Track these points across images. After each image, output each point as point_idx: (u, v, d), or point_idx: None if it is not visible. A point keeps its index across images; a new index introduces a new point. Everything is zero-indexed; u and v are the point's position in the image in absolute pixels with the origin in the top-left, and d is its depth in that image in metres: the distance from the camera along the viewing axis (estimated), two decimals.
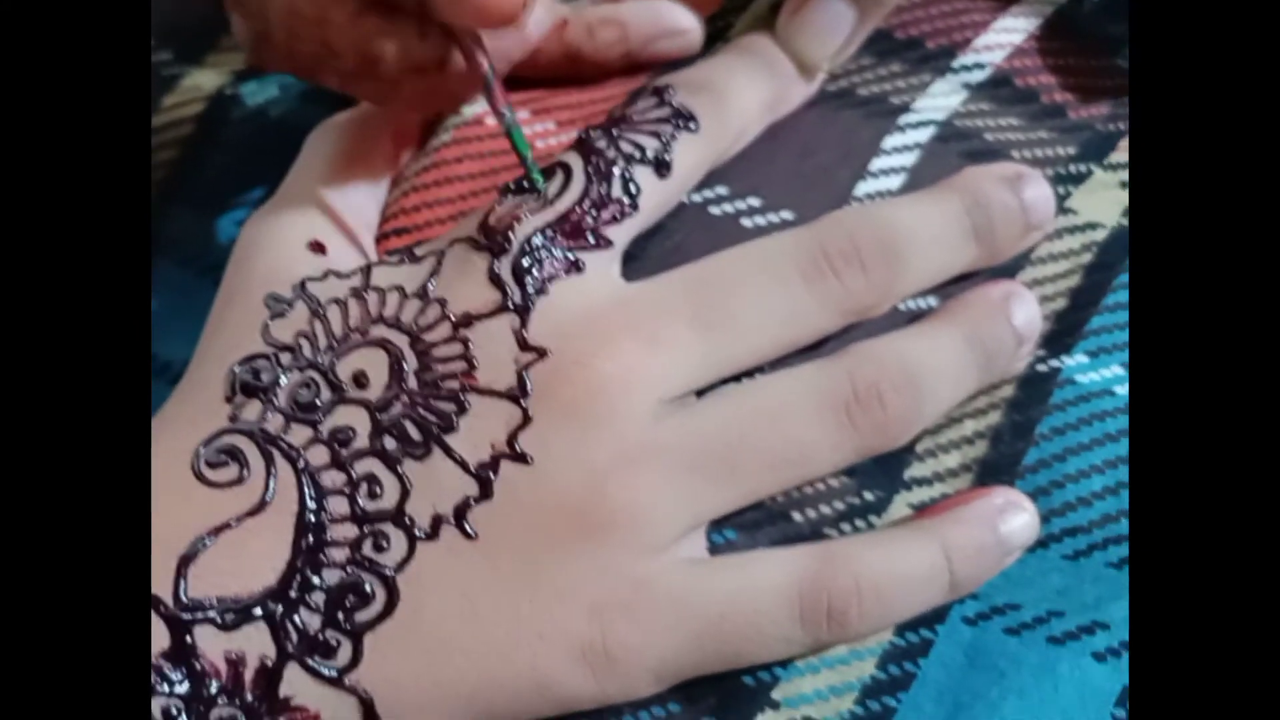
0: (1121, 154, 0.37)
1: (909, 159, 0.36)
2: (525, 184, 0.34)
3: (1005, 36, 0.39)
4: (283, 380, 0.32)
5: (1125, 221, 0.36)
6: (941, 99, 0.38)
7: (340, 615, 0.30)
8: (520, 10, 0.30)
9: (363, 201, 0.37)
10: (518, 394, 0.31)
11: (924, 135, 0.37)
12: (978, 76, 0.38)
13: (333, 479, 0.31)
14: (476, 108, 0.39)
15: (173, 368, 0.40)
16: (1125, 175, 0.37)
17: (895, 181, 0.36)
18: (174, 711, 0.29)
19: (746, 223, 0.35)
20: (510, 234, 0.33)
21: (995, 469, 0.34)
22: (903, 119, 0.37)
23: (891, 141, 0.37)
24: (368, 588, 0.30)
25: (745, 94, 0.36)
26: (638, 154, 0.34)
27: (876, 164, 0.36)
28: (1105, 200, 0.37)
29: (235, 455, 0.31)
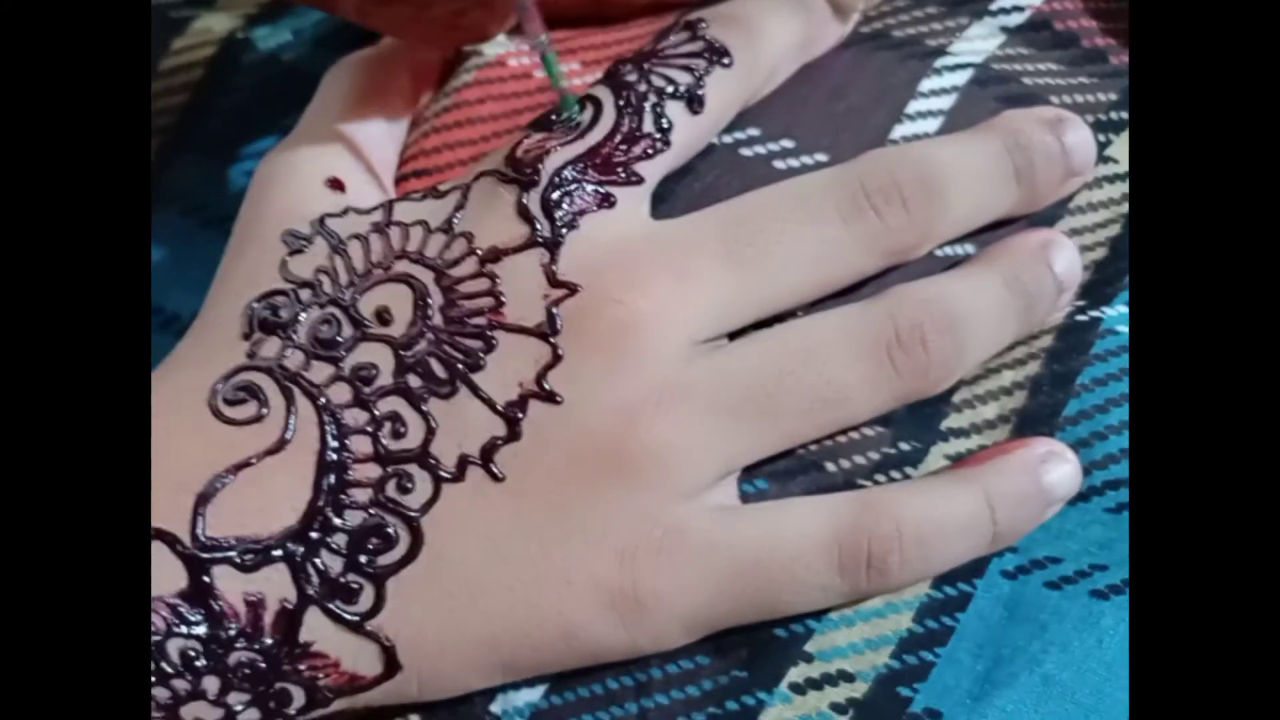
0: None
1: (946, 102, 0.35)
2: (555, 116, 0.33)
3: None
4: (302, 317, 0.31)
5: None
6: (979, 42, 0.37)
7: (362, 558, 0.29)
8: None
9: (381, 140, 0.36)
10: (547, 331, 0.30)
11: (961, 78, 0.36)
12: (1016, 20, 0.37)
13: (355, 417, 0.30)
14: (499, 48, 0.37)
15: (181, 319, 0.39)
16: None
17: (932, 125, 0.35)
18: (191, 653, 0.28)
19: (779, 165, 0.34)
20: (539, 166, 0.32)
21: (1034, 420, 0.33)
22: (939, 62, 0.36)
23: (928, 84, 0.35)
24: (391, 530, 0.29)
25: (779, 31, 0.34)
26: (670, 88, 0.33)
27: (913, 107, 0.35)
28: None
29: (254, 392, 0.30)
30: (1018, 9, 0.37)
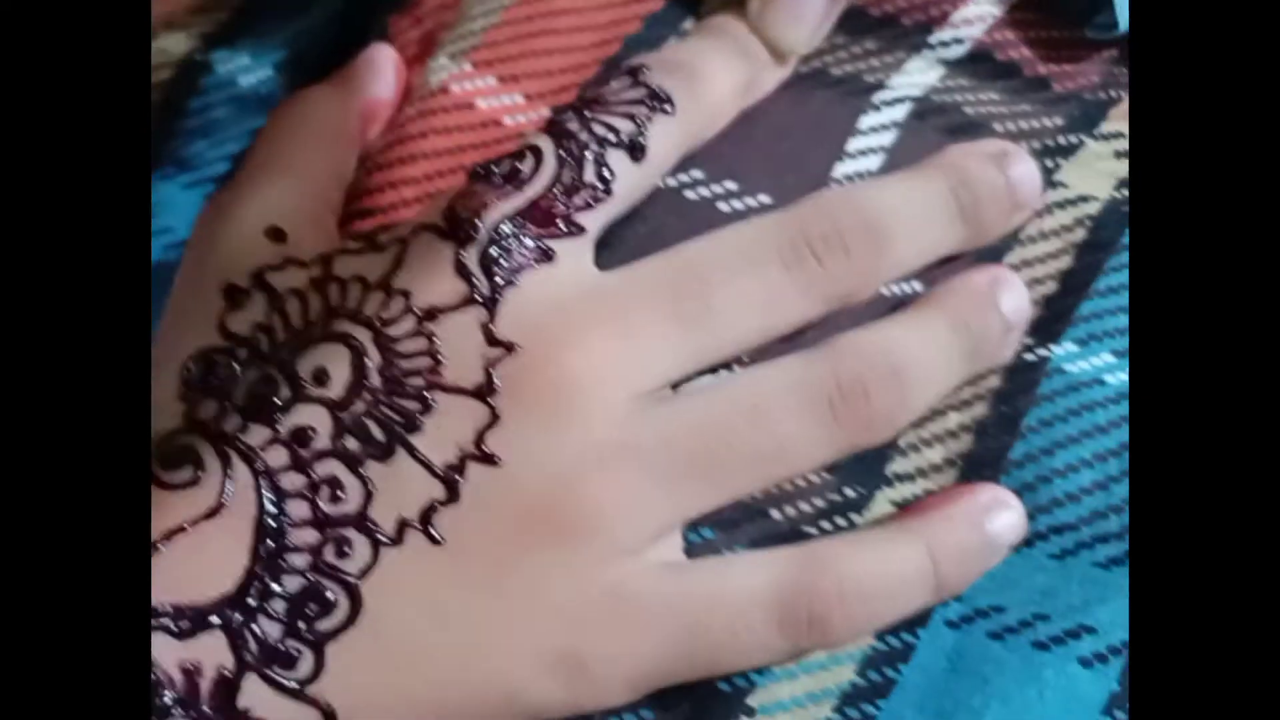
0: (1114, 123, 0.36)
1: (887, 138, 0.35)
2: (494, 167, 0.32)
3: (985, 9, 0.37)
4: (240, 376, 0.30)
5: (1120, 194, 0.35)
6: (918, 75, 0.36)
7: (302, 624, 0.29)
8: None
9: (326, 181, 0.35)
10: (485, 391, 0.30)
11: (900, 113, 0.35)
12: (956, 52, 0.37)
13: (292, 481, 0.29)
14: (442, 74, 0.37)
15: None
16: (1120, 145, 0.36)
17: (874, 162, 0.35)
18: None
19: (723, 206, 0.34)
20: (477, 221, 0.31)
21: (980, 463, 0.33)
22: (877, 97, 0.36)
23: (867, 121, 0.35)
24: (330, 595, 0.29)
25: (721, 77, 0.34)
26: (612, 136, 0.32)
27: (853, 144, 0.35)
28: (1098, 172, 0.35)
29: (190, 456, 0.30)
30: (957, 41, 0.37)
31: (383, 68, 0.37)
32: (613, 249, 0.33)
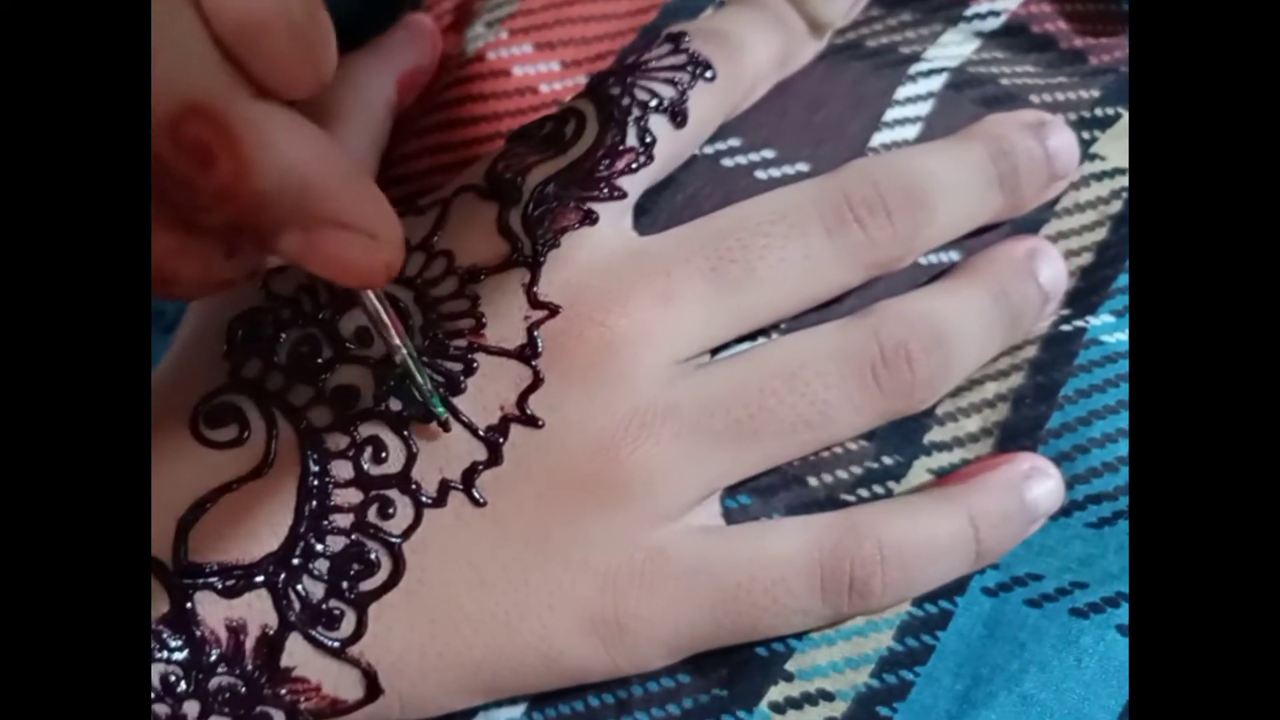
0: None
1: (923, 108, 0.35)
2: (536, 130, 0.32)
3: None
4: (283, 336, 0.30)
5: None
6: (954, 48, 0.36)
7: (344, 584, 0.29)
8: (388, 275, 0.25)
9: (363, 148, 0.35)
10: (528, 353, 0.30)
11: (936, 84, 0.35)
12: (992, 24, 0.37)
13: (336, 441, 0.29)
14: (478, 42, 0.37)
15: (165, 315, 0.39)
16: None
17: (911, 131, 0.35)
18: (172, 678, 0.28)
19: (761, 175, 0.34)
20: (520, 181, 0.31)
21: (1017, 433, 0.33)
22: (913, 68, 0.35)
23: (904, 92, 0.35)
24: (373, 556, 0.29)
25: (760, 47, 0.34)
26: (653, 102, 0.32)
27: (890, 114, 0.35)
28: None
29: (236, 414, 0.30)
30: (993, 14, 0.37)
31: (420, 36, 0.37)
32: (650, 215, 0.33)
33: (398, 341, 0.29)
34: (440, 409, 0.29)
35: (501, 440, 0.29)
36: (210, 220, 0.24)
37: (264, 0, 0.22)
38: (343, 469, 0.29)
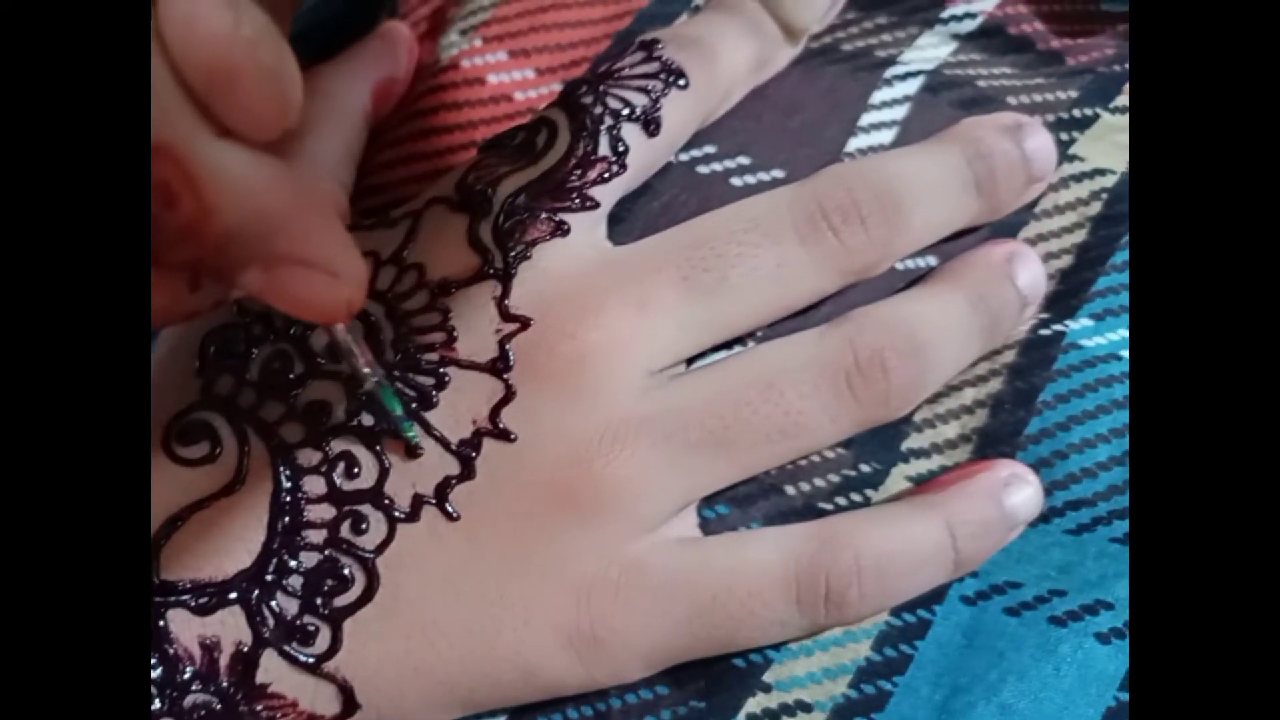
0: (1129, 97, 0.36)
1: (899, 112, 0.35)
2: (508, 140, 0.32)
3: None
4: (255, 352, 0.30)
5: None
6: (930, 50, 0.36)
7: (318, 600, 0.29)
8: (349, 312, 0.25)
9: (338, 159, 0.35)
10: (500, 366, 0.30)
11: (912, 87, 0.35)
12: (968, 26, 0.37)
13: (308, 457, 0.29)
14: (452, 50, 0.37)
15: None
16: None
17: (887, 136, 0.34)
18: None
19: (736, 181, 0.33)
20: (491, 193, 0.31)
21: (995, 439, 0.32)
22: (889, 72, 0.35)
23: (880, 96, 0.35)
24: (346, 571, 0.29)
25: (734, 53, 0.34)
26: (626, 110, 0.32)
27: (866, 119, 0.35)
28: (1113, 145, 0.35)
29: (207, 431, 0.29)
30: (969, 16, 0.37)
31: (395, 44, 0.37)
32: (624, 224, 0.33)
33: (366, 370, 0.29)
34: (411, 434, 0.29)
35: (474, 454, 0.29)
36: (174, 257, 0.23)
37: (233, 45, 0.22)
38: (315, 484, 0.29)
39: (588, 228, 0.31)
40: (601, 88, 0.32)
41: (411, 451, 0.29)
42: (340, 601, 0.29)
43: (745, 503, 0.31)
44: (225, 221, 0.23)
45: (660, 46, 0.33)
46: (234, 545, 0.29)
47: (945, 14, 0.37)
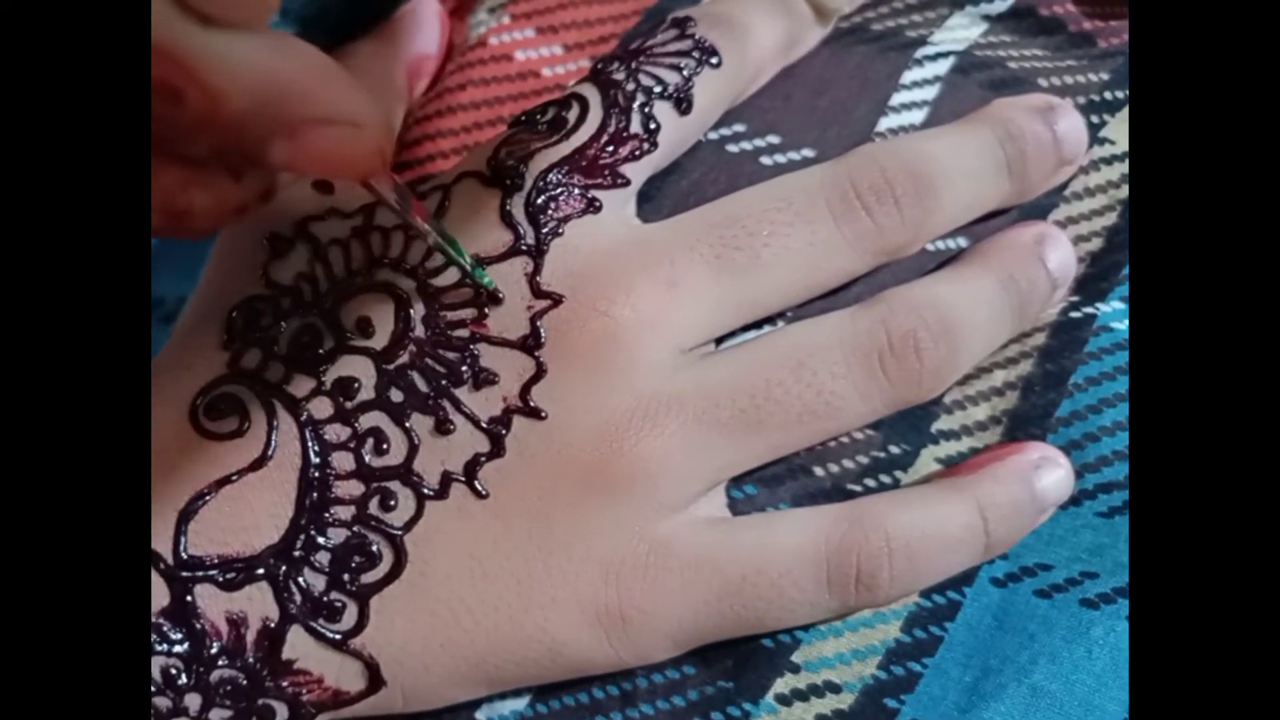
0: None
1: (929, 92, 0.34)
2: (539, 115, 0.32)
3: None
4: (283, 326, 0.30)
5: None
6: (960, 31, 0.36)
7: (345, 576, 0.29)
8: (383, 159, 0.26)
9: None
10: (531, 343, 0.30)
11: (943, 67, 0.35)
12: (999, 7, 0.36)
13: (337, 433, 0.29)
14: (480, 27, 0.37)
15: (165, 304, 0.39)
16: None
17: (917, 116, 0.34)
18: (173, 671, 0.28)
19: (766, 161, 0.33)
20: (523, 169, 0.31)
21: (1026, 421, 0.32)
22: (919, 52, 0.35)
23: (910, 76, 0.35)
24: (374, 548, 0.29)
25: (766, 33, 0.34)
26: (658, 88, 0.32)
27: (896, 99, 0.34)
28: None
29: (236, 406, 0.29)
30: None
31: (426, 22, 0.37)
32: (653, 202, 0.33)
33: (424, 226, 0.29)
34: (487, 280, 0.29)
35: (504, 432, 0.29)
36: (199, 149, 0.24)
37: None
38: (344, 461, 0.29)
39: (619, 205, 0.31)
40: (634, 64, 0.32)
41: (493, 297, 0.30)
42: (367, 578, 0.29)
43: (774, 483, 0.31)
44: (235, 103, 0.22)
45: (693, 24, 0.33)
46: (262, 521, 0.29)
47: None
